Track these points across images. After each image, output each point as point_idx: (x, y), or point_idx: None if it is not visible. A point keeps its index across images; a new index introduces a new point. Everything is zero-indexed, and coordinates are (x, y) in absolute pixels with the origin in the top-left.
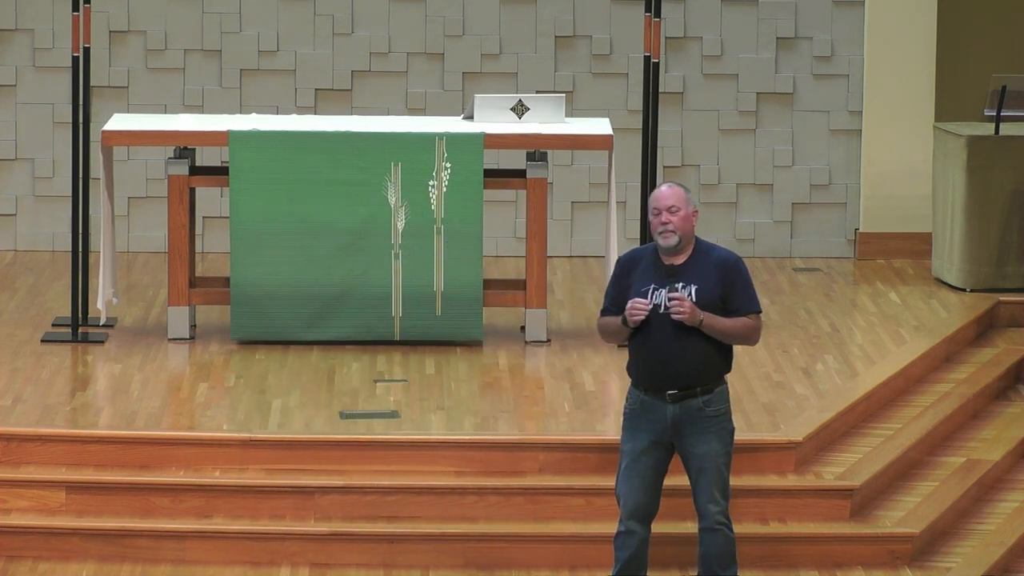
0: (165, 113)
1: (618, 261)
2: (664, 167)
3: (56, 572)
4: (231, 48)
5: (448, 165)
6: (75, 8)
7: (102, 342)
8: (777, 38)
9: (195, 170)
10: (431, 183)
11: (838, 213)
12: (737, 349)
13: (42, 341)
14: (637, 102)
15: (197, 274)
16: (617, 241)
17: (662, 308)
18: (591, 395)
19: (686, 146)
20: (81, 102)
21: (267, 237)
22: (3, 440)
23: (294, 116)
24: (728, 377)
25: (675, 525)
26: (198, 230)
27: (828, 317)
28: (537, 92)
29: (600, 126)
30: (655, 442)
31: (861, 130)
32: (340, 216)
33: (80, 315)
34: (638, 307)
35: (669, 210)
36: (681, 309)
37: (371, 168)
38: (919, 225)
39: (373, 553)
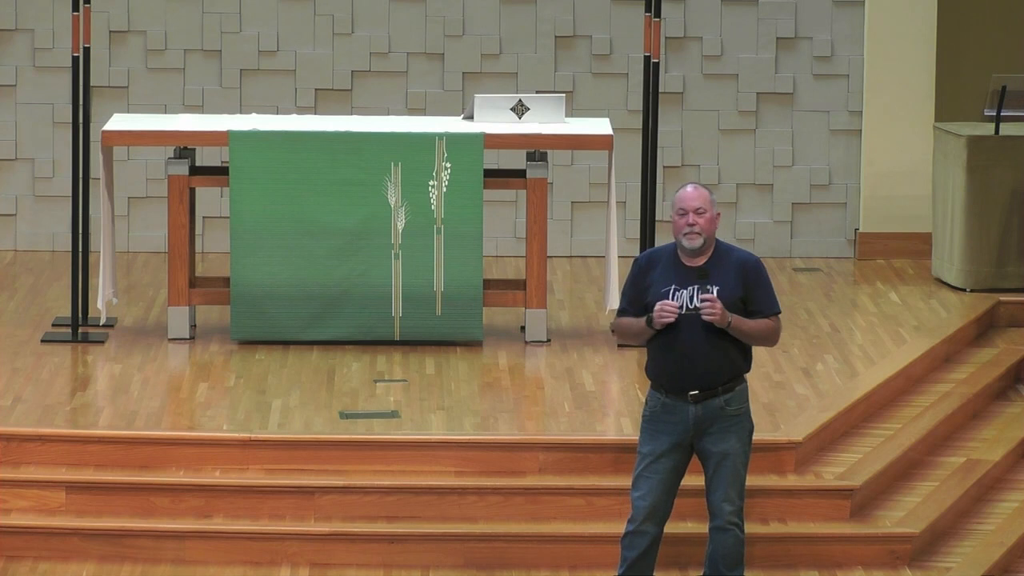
0: (165, 113)
1: (636, 261)
2: (664, 167)
3: (56, 572)
4: (231, 48)
5: (448, 165)
6: (75, 8)
7: (102, 342)
8: (777, 38)
9: (195, 170)
10: (431, 183)
11: (838, 213)
12: None
13: (42, 341)
14: (637, 102)
15: (197, 274)
16: (617, 241)
17: (683, 309)
18: (591, 395)
19: (686, 146)
20: (81, 102)
21: (267, 237)
22: (3, 440)
23: (294, 116)
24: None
25: (675, 525)
26: (198, 230)
27: (828, 317)
28: (537, 92)
29: (600, 126)
30: (676, 444)
31: (861, 130)
32: (340, 216)
33: (80, 315)
34: (668, 309)
35: (696, 211)
36: (713, 311)
37: (371, 168)
38: (919, 225)
39: (373, 553)
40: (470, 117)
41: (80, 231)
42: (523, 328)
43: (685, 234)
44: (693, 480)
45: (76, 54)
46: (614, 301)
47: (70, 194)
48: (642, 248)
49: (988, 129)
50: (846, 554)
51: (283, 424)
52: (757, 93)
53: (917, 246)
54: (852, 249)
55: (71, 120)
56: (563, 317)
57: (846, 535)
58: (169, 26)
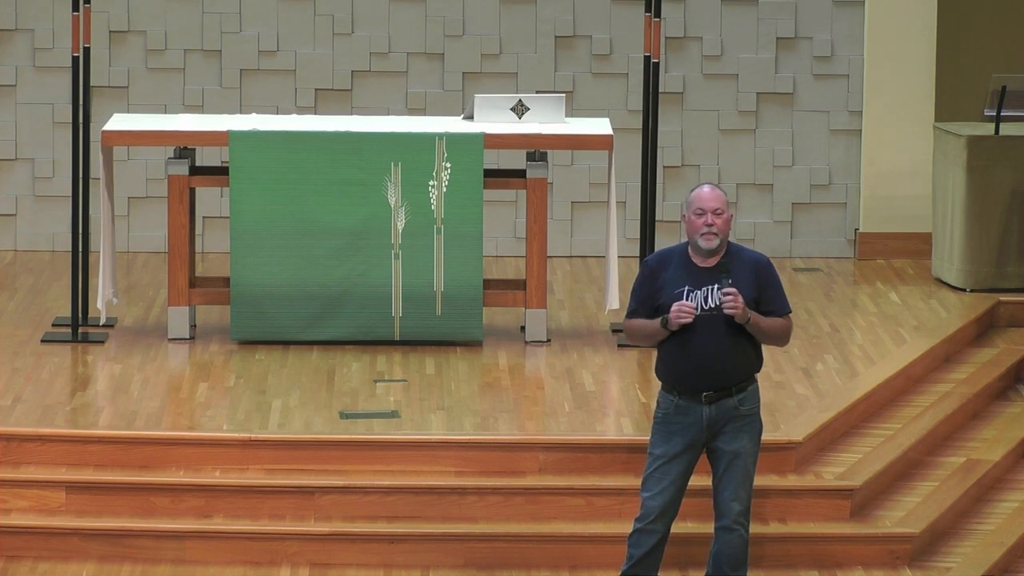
0: (165, 113)
1: (645, 262)
2: (664, 167)
3: (56, 572)
4: (231, 48)
5: (448, 165)
6: (75, 8)
7: (102, 342)
8: (777, 38)
9: (195, 170)
10: (431, 183)
11: (838, 213)
12: None
13: (42, 341)
14: (637, 102)
15: (197, 274)
16: (617, 241)
17: (699, 310)
18: (591, 395)
19: (686, 146)
20: (81, 102)
21: (267, 237)
22: (3, 440)
23: (294, 116)
24: None
25: (676, 524)
26: (198, 230)
27: (828, 317)
28: (537, 92)
29: (600, 126)
30: (689, 445)
31: (861, 130)
32: (340, 216)
33: (80, 315)
34: (686, 310)
35: (714, 212)
36: (736, 304)
37: (371, 168)
38: (919, 225)
39: (373, 553)
40: (470, 117)
41: (80, 231)
42: (523, 328)
43: (703, 234)
44: (696, 480)
45: (76, 54)
46: (614, 301)
47: (70, 194)
48: (642, 248)
49: (988, 129)
50: (846, 554)
51: (283, 424)
52: (757, 93)
53: (917, 246)
54: (852, 249)
55: (71, 120)
56: (563, 317)
57: (846, 535)
58: (169, 26)
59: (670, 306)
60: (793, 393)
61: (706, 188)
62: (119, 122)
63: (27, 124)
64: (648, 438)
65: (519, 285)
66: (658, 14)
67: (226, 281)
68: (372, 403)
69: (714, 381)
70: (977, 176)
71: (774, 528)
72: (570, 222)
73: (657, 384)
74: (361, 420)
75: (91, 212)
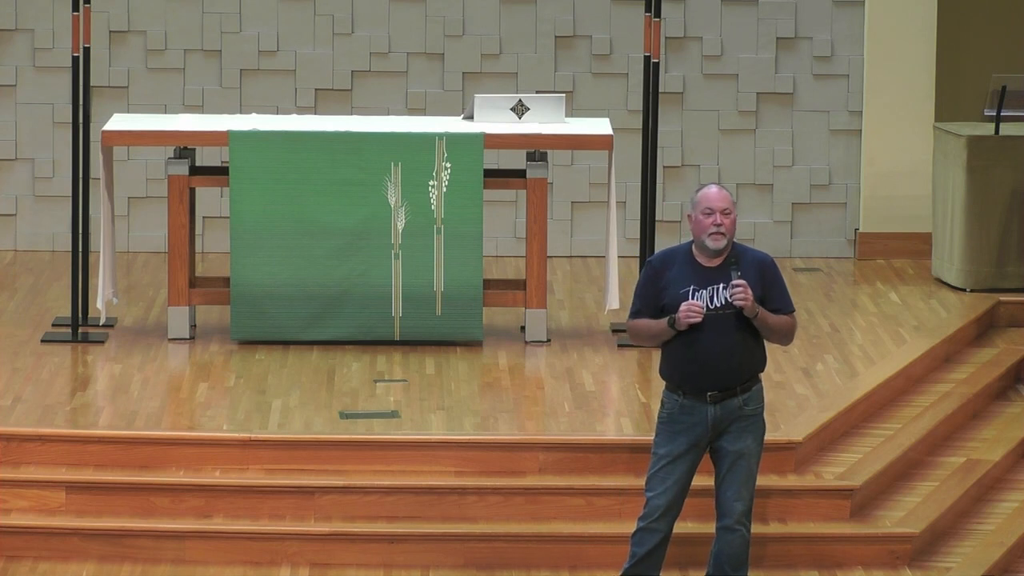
0: (165, 113)
1: (649, 263)
2: (664, 167)
3: (56, 572)
4: (231, 48)
5: (448, 165)
6: (75, 8)
7: (102, 342)
8: (777, 38)
9: (195, 170)
10: (431, 183)
11: (838, 213)
12: None
13: (42, 341)
14: (637, 102)
15: (197, 274)
16: (617, 241)
17: (704, 309)
18: (591, 395)
19: (686, 146)
20: (81, 102)
21: (267, 237)
22: (3, 440)
23: (294, 116)
24: None
25: (676, 524)
26: (198, 230)
27: (828, 317)
28: (537, 92)
29: (600, 126)
30: (693, 445)
31: (861, 130)
32: (340, 216)
33: (80, 315)
34: (695, 310)
35: (723, 212)
36: (745, 296)
37: (371, 168)
38: (919, 225)
39: (373, 553)
40: (470, 117)
41: (80, 231)
42: (523, 328)
43: (711, 234)
44: (696, 480)
45: (76, 54)
46: (614, 301)
47: (70, 194)
48: (642, 248)
49: (988, 129)
50: (846, 554)
51: (283, 424)
52: (757, 93)
53: (917, 246)
54: (852, 249)
55: (71, 120)
56: (563, 317)
57: (846, 535)
58: (169, 26)
59: (674, 306)
60: (793, 393)
61: (713, 188)
62: (119, 122)
63: (27, 124)
64: (650, 437)
65: (519, 285)
66: (658, 14)
67: (226, 281)
68: (372, 403)
69: (719, 381)
70: (977, 176)
71: (774, 528)
72: (570, 222)
73: (657, 384)
74: (361, 420)
75: (91, 212)
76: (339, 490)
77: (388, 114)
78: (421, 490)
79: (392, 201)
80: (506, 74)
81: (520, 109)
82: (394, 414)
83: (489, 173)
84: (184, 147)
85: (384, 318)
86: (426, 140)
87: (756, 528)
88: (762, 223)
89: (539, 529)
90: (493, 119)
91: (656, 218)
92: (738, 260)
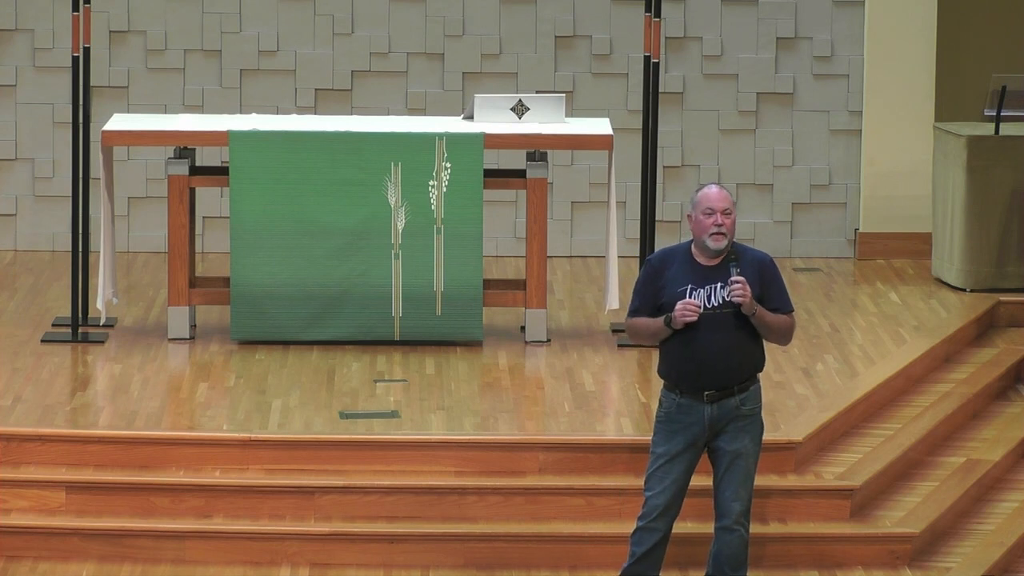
0: (165, 113)
1: (648, 261)
2: (664, 167)
3: (56, 572)
4: (231, 48)
5: (448, 165)
6: (75, 8)
7: (102, 342)
8: (777, 38)
9: (195, 170)
10: (431, 183)
11: (838, 213)
12: None
13: (42, 341)
14: (637, 102)
15: (197, 274)
16: (617, 241)
17: (702, 309)
18: (591, 395)
19: (686, 146)
20: (81, 102)
21: (267, 237)
22: (3, 440)
23: (294, 116)
24: None
25: (676, 524)
26: (198, 230)
27: (828, 317)
28: (537, 92)
29: (600, 126)
30: (691, 444)
31: (861, 130)
32: (340, 216)
33: (80, 315)
34: (691, 308)
35: (724, 212)
36: (744, 293)
37: (371, 168)
38: (919, 225)
39: (373, 553)
40: (470, 117)
41: (80, 231)
42: (523, 328)
43: (712, 234)
44: (696, 480)
45: (76, 54)
46: (614, 301)
47: (70, 194)
48: (642, 248)
49: (988, 129)
50: (846, 554)
51: (283, 424)
52: (757, 93)
53: (917, 246)
54: (852, 249)
55: (71, 120)
56: (563, 317)
57: (846, 535)
58: (169, 26)
59: (672, 305)
60: (793, 393)
61: (714, 188)
62: (119, 122)
63: (27, 124)
64: (648, 437)
65: (519, 285)
66: (658, 14)
67: (226, 281)
68: (372, 403)
69: (716, 380)
70: (977, 176)
71: (774, 528)
72: (570, 222)
73: (657, 384)
74: (361, 420)
75: (91, 212)
76: (339, 490)
77: (388, 114)
78: (421, 490)
79: (392, 201)
80: (506, 74)
81: (520, 109)
82: (394, 414)
83: (489, 173)
84: (184, 147)
85: (384, 318)
86: (426, 140)
87: (756, 528)
88: (762, 223)
89: (539, 529)
90: (493, 119)
91: (656, 218)
92: (737, 258)
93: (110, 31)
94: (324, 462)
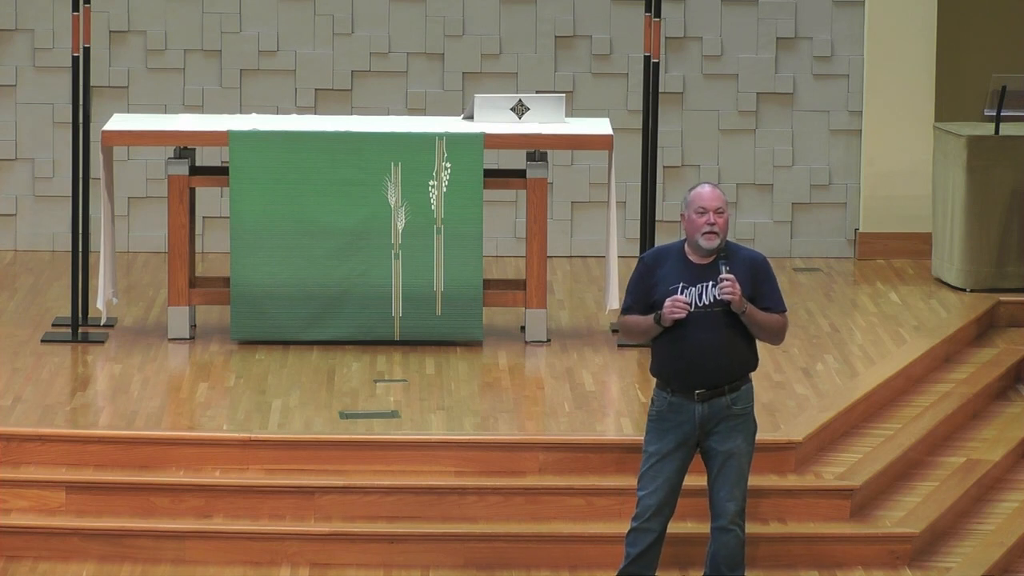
0: (165, 113)
1: (641, 259)
2: (664, 167)
3: (56, 572)
4: (231, 48)
5: (448, 165)
6: (75, 8)
7: (102, 342)
8: (777, 38)
9: (195, 170)
10: (431, 183)
11: (838, 213)
12: None
13: (42, 341)
14: (637, 102)
15: (197, 274)
16: (617, 241)
17: (693, 307)
18: (591, 395)
19: (686, 146)
20: (81, 102)
21: (267, 237)
22: (3, 440)
23: (294, 116)
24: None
25: (675, 525)
26: (198, 230)
27: (828, 317)
28: (537, 92)
29: (600, 126)
30: (682, 443)
31: (861, 130)
32: (340, 216)
33: (80, 315)
34: (679, 305)
35: (716, 211)
36: (733, 291)
37: (371, 168)
38: (919, 225)
39: (373, 553)
40: (470, 117)
41: (80, 231)
42: (523, 328)
43: (704, 233)
44: (694, 480)
45: (76, 54)
46: (614, 301)
47: (70, 194)
48: (642, 248)
49: (988, 129)
50: (846, 554)
51: (283, 424)
52: (757, 93)
53: (917, 246)
54: (852, 249)
55: (71, 120)
56: (563, 317)
57: (846, 535)
58: (169, 26)
59: (664, 303)
60: (793, 393)
61: (707, 187)
62: (119, 122)
63: (27, 124)
64: None
65: (519, 285)
66: (658, 14)
67: (226, 281)
68: (372, 403)
69: (707, 379)
70: (977, 176)
71: (774, 528)
72: (570, 222)
73: None
74: (361, 420)
75: (91, 212)
76: (339, 490)
77: (388, 114)
78: (421, 490)
79: (392, 201)
80: (506, 74)
81: (520, 109)
82: (394, 414)
83: (489, 173)
84: (184, 147)
85: (384, 318)
86: (426, 140)
87: (756, 528)
88: (762, 223)
89: (539, 529)
90: (493, 119)
91: (656, 218)
92: (728, 256)
93: (110, 31)
94: (324, 462)
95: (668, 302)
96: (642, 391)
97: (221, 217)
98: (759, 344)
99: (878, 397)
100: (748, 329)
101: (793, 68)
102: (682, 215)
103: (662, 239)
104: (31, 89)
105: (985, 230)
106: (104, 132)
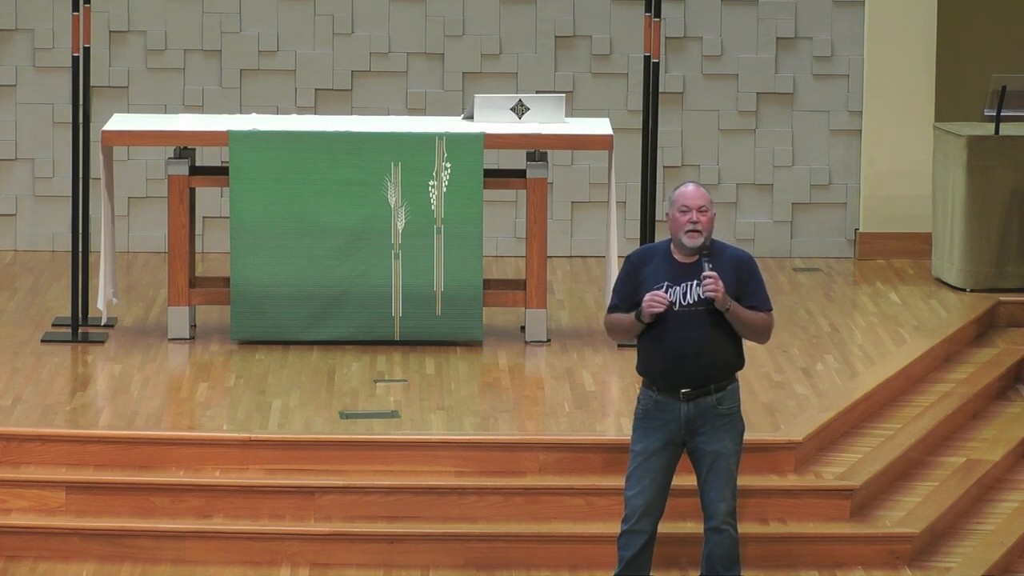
0: (165, 113)
1: (628, 258)
2: (664, 167)
3: (56, 572)
4: (231, 48)
5: (448, 165)
6: (75, 8)
7: (102, 342)
8: (777, 38)
9: (195, 170)
10: (431, 183)
11: (838, 213)
12: None
13: (42, 341)
14: (637, 102)
15: (197, 274)
16: (617, 241)
17: (677, 306)
18: (591, 395)
19: (686, 146)
20: (81, 102)
21: (267, 237)
22: (3, 440)
23: (294, 116)
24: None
25: (675, 525)
26: (198, 230)
27: (828, 317)
28: (537, 92)
29: (600, 126)
30: (668, 442)
31: (861, 130)
32: (340, 216)
33: (80, 315)
34: (657, 299)
35: (699, 209)
36: (716, 288)
37: (371, 168)
38: (919, 225)
39: (373, 553)
40: (470, 117)
41: (80, 231)
42: (523, 328)
43: (687, 232)
44: (692, 480)
45: (76, 54)
46: None
47: (70, 194)
48: None
49: (988, 129)
50: (846, 554)
51: (283, 424)
52: (757, 93)
53: (917, 246)
54: (852, 249)
55: (71, 120)
56: (563, 317)
57: (846, 535)
58: (169, 26)
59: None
60: (793, 393)
61: (690, 186)
62: (119, 122)
63: (27, 124)
64: None
65: (519, 285)
66: (658, 14)
67: (226, 281)
68: (372, 403)
69: (691, 378)
70: (977, 176)
71: (774, 528)
72: (570, 222)
73: None
74: (361, 420)
75: (91, 212)
76: (339, 490)
77: (388, 114)
78: (421, 490)
79: (392, 201)
80: (506, 74)
81: (520, 109)
82: (394, 414)
83: (489, 173)
84: (184, 147)
85: (384, 318)
86: (426, 140)
87: (756, 528)
88: (762, 223)
89: (539, 529)
90: (493, 119)
91: (656, 218)
92: (711, 254)
93: (110, 31)
94: (324, 462)
95: (647, 297)
96: None
97: (221, 217)
98: (755, 345)
99: (878, 397)
100: (734, 328)
101: (793, 68)
102: (667, 214)
103: (662, 239)
104: (31, 89)
105: (985, 230)
106: (104, 132)
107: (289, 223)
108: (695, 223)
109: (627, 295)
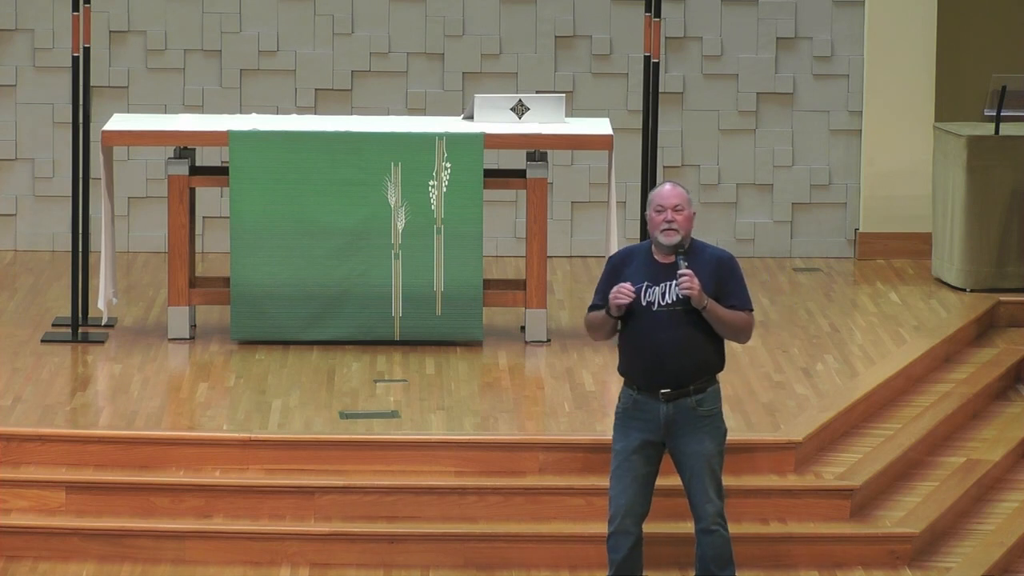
0: (165, 113)
1: (610, 259)
2: (664, 167)
3: (56, 572)
4: (231, 48)
5: (448, 165)
6: (75, 8)
7: (102, 342)
8: (777, 38)
9: (195, 170)
10: (431, 183)
11: (838, 213)
12: (737, 349)
13: (42, 341)
14: (637, 102)
15: (197, 274)
16: (617, 241)
17: (655, 306)
18: (591, 395)
19: (686, 146)
20: (81, 102)
21: (267, 237)
22: (3, 440)
23: (294, 116)
24: (728, 377)
25: (673, 525)
26: (198, 230)
27: (828, 317)
28: (537, 92)
29: (600, 126)
30: (647, 441)
31: (861, 130)
32: (340, 216)
33: (80, 315)
34: (624, 291)
35: (674, 208)
36: (691, 285)
37: (371, 168)
38: (919, 225)
39: (373, 553)
40: (470, 117)
41: (80, 231)
42: (523, 328)
43: (663, 231)
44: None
45: (76, 54)
46: None
47: (70, 194)
48: None
49: (988, 129)
50: (846, 554)
51: (283, 424)
52: (757, 93)
53: (917, 246)
54: (852, 249)
55: (71, 120)
56: (563, 317)
57: (846, 535)
58: (169, 26)
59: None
60: (793, 393)
61: (667, 186)
62: (119, 122)
63: (27, 124)
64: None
65: (519, 285)
66: (658, 14)
67: (226, 281)
68: (372, 403)
69: (670, 378)
70: (977, 176)
71: (774, 528)
72: (570, 222)
73: None
74: (361, 420)
75: (91, 212)
76: (339, 490)
77: (388, 114)
78: (421, 490)
79: (392, 201)
80: (506, 74)
81: (520, 109)
82: (394, 414)
83: (489, 173)
84: (184, 147)
85: (384, 318)
86: (426, 140)
87: (756, 528)
88: (762, 223)
89: (539, 529)
90: (493, 119)
91: None
92: (687, 252)
93: (110, 31)
94: (324, 462)
95: (614, 289)
96: None
97: (221, 217)
98: (755, 345)
99: (878, 397)
100: (713, 328)
101: (793, 68)
102: (647, 215)
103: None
104: (31, 89)
105: (985, 230)
106: (104, 132)
107: (289, 223)
108: (670, 222)
109: (607, 295)
